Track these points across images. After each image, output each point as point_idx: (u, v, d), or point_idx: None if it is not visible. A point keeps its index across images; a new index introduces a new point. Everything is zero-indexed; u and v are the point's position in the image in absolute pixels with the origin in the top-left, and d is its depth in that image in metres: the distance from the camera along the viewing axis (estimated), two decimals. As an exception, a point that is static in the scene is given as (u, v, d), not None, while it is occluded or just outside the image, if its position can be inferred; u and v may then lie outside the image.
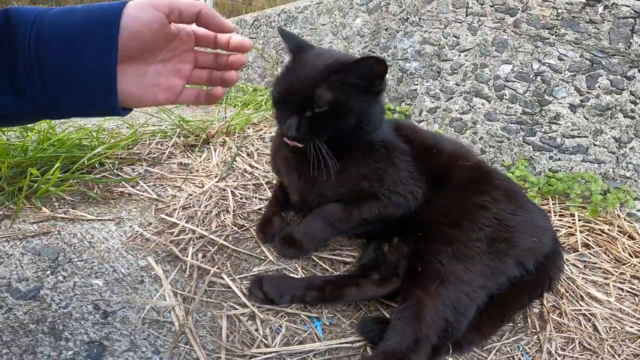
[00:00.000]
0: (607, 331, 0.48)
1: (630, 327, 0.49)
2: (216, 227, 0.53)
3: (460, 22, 0.81)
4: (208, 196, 0.59)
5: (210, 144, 0.78)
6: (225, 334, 0.37)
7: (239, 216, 0.56)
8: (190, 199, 0.57)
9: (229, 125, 0.83)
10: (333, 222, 0.46)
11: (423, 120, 0.87)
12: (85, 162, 0.58)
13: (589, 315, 0.50)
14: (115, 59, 0.24)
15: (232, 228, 0.53)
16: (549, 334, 0.46)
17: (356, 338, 0.40)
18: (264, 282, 0.41)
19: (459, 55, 0.81)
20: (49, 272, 0.41)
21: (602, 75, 0.69)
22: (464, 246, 0.39)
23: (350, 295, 0.42)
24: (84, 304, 0.37)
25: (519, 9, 0.75)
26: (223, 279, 0.44)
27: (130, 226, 0.50)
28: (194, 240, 0.49)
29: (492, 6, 0.78)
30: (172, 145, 0.74)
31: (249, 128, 0.88)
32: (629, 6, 0.68)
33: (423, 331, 0.35)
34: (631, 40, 0.68)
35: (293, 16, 1.19)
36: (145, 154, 0.70)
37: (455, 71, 0.82)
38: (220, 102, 1.27)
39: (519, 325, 0.47)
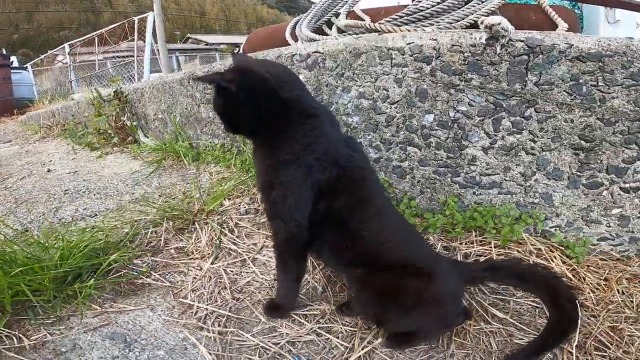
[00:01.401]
0: (498, 345, 0.82)
1: (520, 339, 0.83)
2: (220, 302, 0.94)
3: (387, 74, 1.09)
4: (207, 278, 1.00)
5: (196, 223, 1.18)
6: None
7: (235, 291, 0.97)
8: (196, 282, 0.99)
9: (207, 205, 1.22)
10: None
11: (370, 168, 1.20)
12: (106, 267, 0.99)
13: (488, 333, 0.84)
14: None
15: (232, 301, 0.93)
16: (452, 351, 0.81)
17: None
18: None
19: (390, 108, 1.10)
20: (127, 350, 0.85)
21: (504, 118, 0.97)
22: None
23: None
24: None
25: (433, 56, 1.01)
26: (240, 335, 0.84)
27: (162, 310, 0.92)
28: (209, 315, 0.90)
29: (411, 55, 1.04)
30: (165, 231, 1.15)
31: (226, 200, 1.27)
32: (522, 41, 0.92)
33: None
34: (526, 79, 0.93)
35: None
36: (145, 244, 1.12)
37: (390, 124, 1.11)
38: (193, 162, 1.68)
39: (433, 345, 0.82)
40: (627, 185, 0.90)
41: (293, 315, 0.87)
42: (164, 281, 0.98)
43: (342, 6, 1.83)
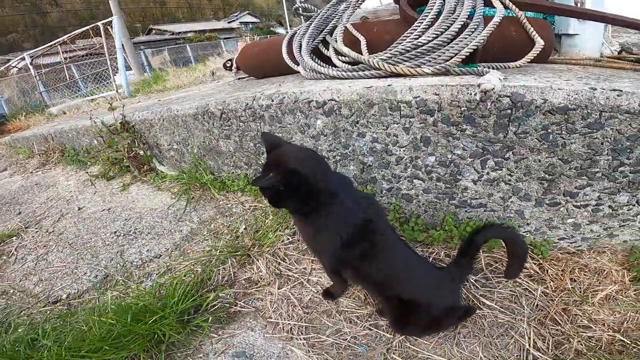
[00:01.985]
0: (488, 325, 1.20)
1: (503, 318, 1.20)
2: (296, 317, 1.24)
3: (397, 124, 1.36)
4: (280, 300, 1.30)
5: (252, 256, 1.46)
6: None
7: (303, 307, 1.27)
8: (273, 304, 1.28)
9: (257, 239, 1.50)
10: None
11: (382, 196, 1.50)
12: (208, 303, 1.28)
13: (481, 316, 1.21)
14: None
15: (304, 315, 1.25)
16: (459, 331, 1.18)
17: None
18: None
19: (399, 150, 1.39)
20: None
21: (489, 159, 1.28)
22: None
23: None
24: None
25: (435, 110, 1.29)
26: (319, 338, 1.18)
27: (259, 329, 1.21)
28: (292, 327, 1.21)
29: (417, 108, 1.31)
30: (231, 266, 1.43)
31: (270, 232, 1.54)
32: (508, 96, 1.21)
33: None
34: (508, 129, 1.23)
35: (259, 114, 1.70)
36: (221, 280, 1.40)
37: (399, 163, 1.40)
38: (220, 192, 1.91)
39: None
40: (578, 204, 1.26)
41: (350, 317, 1.20)
42: (249, 307, 1.28)
43: (340, 18, 1.97)
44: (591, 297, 1.16)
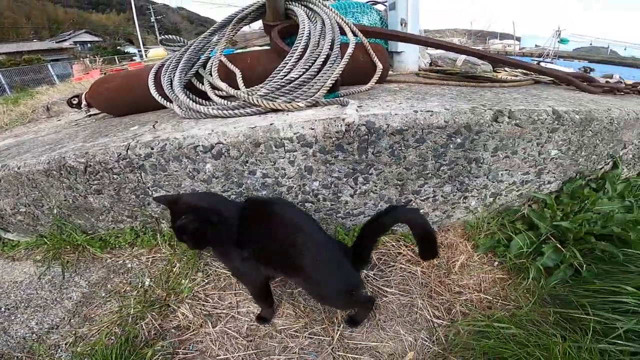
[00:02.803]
0: (396, 306, 1.54)
1: (404, 299, 1.56)
2: (242, 347, 1.32)
3: (283, 158, 1.54)
4: (220, 336, 1.33)
5: (171, 305, 1.44)
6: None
7: (243, 336, 1.35)
8: (215, 343, 1.31)
9: (172, 288, 1.48)
10: None
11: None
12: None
13: (388, 302, 1.54)
14: None
15: (248, 343, 1.33)
16: (378, 318, 1.47)
17: None
18: None
19: (288, 181, 1.58)
20: None
21: (359, 176, 1.60)
22: None
23: None
24: None
25: (313, 142, 1.51)
26: (273, 357, 1.27)
27: None
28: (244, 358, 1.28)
29: (298, 142, 1.51)
30: (153, 319, 1.37)
31: (183, 279, 1.53)
32: (364, 125, 1.53)
33: None
34: (367, 151, 1.56)
35: (137, 164, 1.62)
36: (146, 334, 1.33)
37: (290, 191, 1.60)
38: (102, 250, 1.75)
39: (369, 318, 1.47)
40: (422, 197, 1.71)
41: (289, 332, 1.36)
42: (193, 352, 1.29)
43: (212, 49, 1.97)
44: (452, 268, 1.61)
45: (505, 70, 3.23)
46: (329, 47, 1.80)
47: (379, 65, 2.10)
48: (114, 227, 1.83)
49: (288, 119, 1.55)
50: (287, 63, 1.73)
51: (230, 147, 1.52)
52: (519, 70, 3.06)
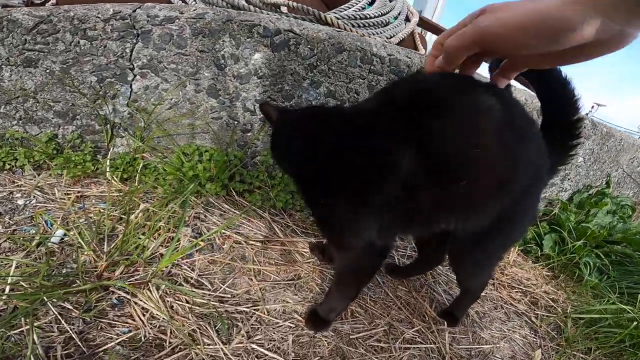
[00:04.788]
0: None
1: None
2: None
3: (363, 79, 1.12)
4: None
5: (114, 289, 0.74)
6: None
7: None
8: None
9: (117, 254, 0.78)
10: None
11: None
12: None
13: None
14: None
15: None
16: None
17: None
18: None
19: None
20: None
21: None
22: None
23: None
24: None
25: (404, 72, 1.15)
26: None
27: None
28: None
29: (388, 67, 1.13)
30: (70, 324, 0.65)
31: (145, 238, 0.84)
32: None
33: None
34: None
35: (141, 29, 0.97)
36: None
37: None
38: None
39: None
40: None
41: (371, 343, 0.82)
42: None
43: None
44: (507, 264, 1.41)
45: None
46: (398, 11, 1.60)
47: (421, 50, 2.04)
48: (17, 129, 0.98)
49: (378, 40, 1.18)
50: (359, 2, 1.44)
51: (303, 41, 1.03)
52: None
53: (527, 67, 0.52)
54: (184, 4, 1.19)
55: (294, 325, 0.80)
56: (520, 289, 1.26)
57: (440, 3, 2.62)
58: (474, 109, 0.55)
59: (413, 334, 0.89)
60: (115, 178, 1.01)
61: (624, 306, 1.13)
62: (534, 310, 1.17)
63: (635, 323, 1.04)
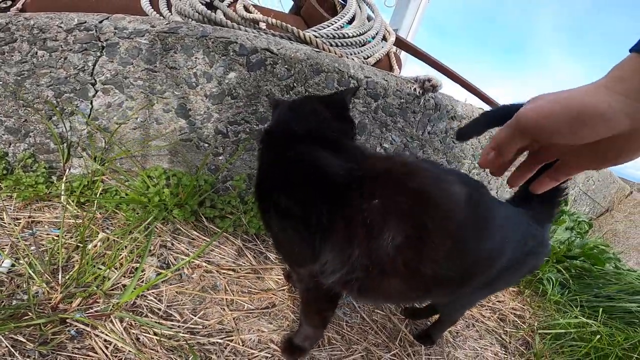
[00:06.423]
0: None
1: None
2: None
3: None
4: None
5: (70, 321, 0.69)
6: None
7: None
8: None
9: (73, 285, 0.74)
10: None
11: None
12: None
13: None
14: None
15: None
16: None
17: None
18: None
19: (338, 134, 1.17)
20: None
21: (406, 153, 1.35)
22: None
23: None
24: None
25: (381, 95, 1.19)
26: None
27: None
28: None
29: (365, 89, 1.16)
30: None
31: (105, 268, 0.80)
32: (433, 98, 1.30)
33: None
34: (426, 128, 1.34)
35: (106, 41, 0.94)
36: None
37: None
38: None
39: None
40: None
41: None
42: None
43: None
44: None
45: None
46: (375, 31, 1.66)
47: (396, 70, 2.09)
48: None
49: (356, 62, 1.22)
50: (338, 21, 1.48)
51: (280, 61, 1.04)
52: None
53: (581, 168, 0.48)
54: (159, 15, 1.16)
55: (270, 355, 0.78)
56: (489, 306, 1.32)
57: (416, 22, 2.76)
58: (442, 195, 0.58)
59: (390, 358, 0.90)
60: (71, 202, 0.95)
61: (586, 320, 1.21)
62: (503, 327, 1.23)
63: (598, 336, 1.11)
